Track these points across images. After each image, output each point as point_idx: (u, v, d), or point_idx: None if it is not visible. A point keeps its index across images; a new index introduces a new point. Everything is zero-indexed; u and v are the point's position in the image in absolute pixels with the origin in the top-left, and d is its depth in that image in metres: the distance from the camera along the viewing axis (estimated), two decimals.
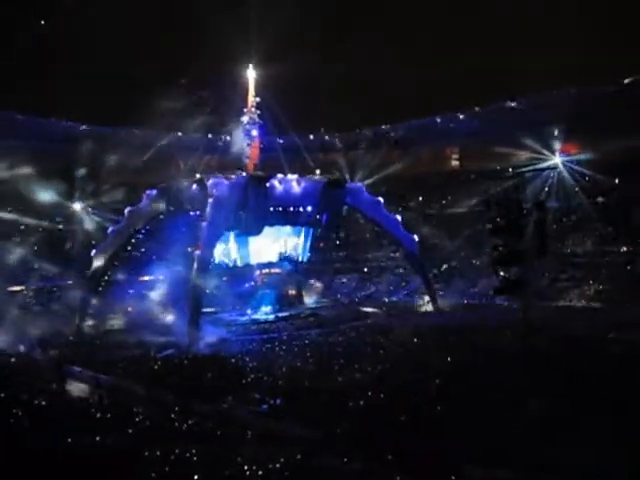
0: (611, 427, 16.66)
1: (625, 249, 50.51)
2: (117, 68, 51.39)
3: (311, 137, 62.66)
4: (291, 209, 45.35)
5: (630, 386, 20.18)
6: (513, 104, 54.04)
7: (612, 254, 50.62)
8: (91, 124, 53.19)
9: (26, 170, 49.33)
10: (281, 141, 52.28)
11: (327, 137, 65.36)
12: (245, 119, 47.35)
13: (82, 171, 52.01)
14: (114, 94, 50.07)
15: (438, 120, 59.44)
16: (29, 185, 49.62)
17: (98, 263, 46.93)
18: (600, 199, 53.26)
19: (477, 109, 56.22)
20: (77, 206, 54.30)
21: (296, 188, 44.39)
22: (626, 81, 46.94)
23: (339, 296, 55.86)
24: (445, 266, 57.38)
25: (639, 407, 18.26)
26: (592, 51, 50.41)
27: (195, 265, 40.64)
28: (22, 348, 34.90)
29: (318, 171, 47.71)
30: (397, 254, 56.28)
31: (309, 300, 51.57)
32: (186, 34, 55.77)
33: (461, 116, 57.72)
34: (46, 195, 50.74)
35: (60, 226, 53.16)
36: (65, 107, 49.02)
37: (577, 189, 54.80)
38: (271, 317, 45.33)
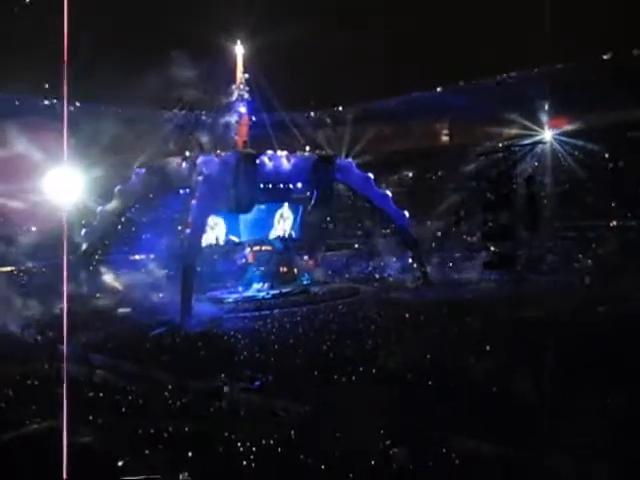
0: (605, 402, 16.87)
1: (615, 223, 50.72)
2: (101, 43, 50.62)
3: (300, 113, 62.21)
4: (281, 186, 45.24)
5: (621, 359, 20.36)
6: (503, 79, 53.84)
7: (603, 228, 50.82)
8: (77, 101, 52.51)
9: (16, 147, 48.79)
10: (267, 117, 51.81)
11: (316, 113, 64.95)
12: (234, 96, 46.90)
13: (69, 149, 51.39)
14: (99, 70, 49.33)
15: (428, 96, 59.11)
16: (17, 163, 49.12)
17: (88, 242, 46.73)
18: (591, 173, 53.26)
19: (467, 84, 55.97)
20: (66, 185, 53.80)
21: (286, 165, 44.20)
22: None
23: (330, 272, 55.90)
24: (436, 242, 57.46)
25: (630, 380, 18.47)
26: (583, 24, 50.13)
27: (186, 243, 40.63)
28: (13, 328, 34.86)
29: (308, 147, 47.46)
30: (388, 230, 56.34)
31: (301, 277, 51.54)
32: (174, 8, 55.07)
33: (451, 91, 57.43)
34: (34, 174, 50.30)
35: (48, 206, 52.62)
36: (47, 83, 48.47)
37: (568, 163, 54.78)
38: (263, 294, 45.39)
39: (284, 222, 48.91)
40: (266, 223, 47.97)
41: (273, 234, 48.61)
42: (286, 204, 48.18)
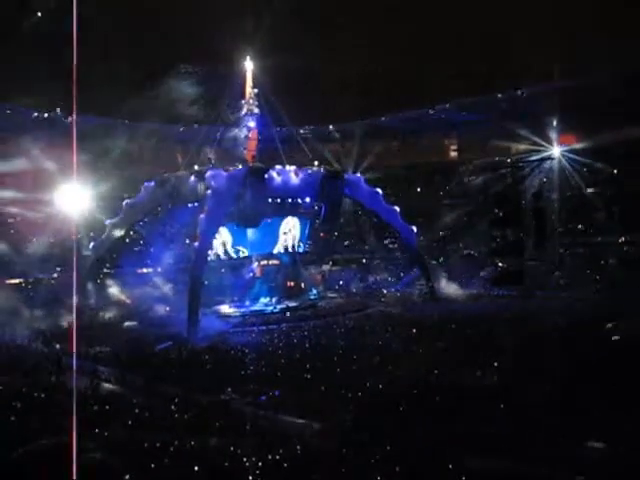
0: (614, 417, 16.76)
1: (623, 239, 50.57)
2: (112, 58, 50.99)
3: (309, 128, 62.44)
4: (289, 200, 45.39)
5: (631, 376, 20.24)
6: (511, 95, 53.88)
7: (610, 244, 50.68)
8: (87, 115, 52.89)
9: (23, 162, 49.14)
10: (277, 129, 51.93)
11: (325, 128, 65.14)
12: (243, 110, 47.21)
13: (78, 163, 51.69)
14: (110, 84, 49.69)
15: (436, 111, 59.22)
16: (27, 177, 49.49)
17: (96, 255, 46.89)
18: (598, 189, 53.22)
19: (476, 100, 56.03)
20: (74, 198, 53.99)
21: (294, 179, 44.33)
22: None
23: (338, 287, 55.91)
24: (444, 257, 57.44)
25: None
26: (591, 40, 50.17)
27: (193, 257, 40.71)
28: (21, 340, 34.93)
29: (316, 162, 47.61)
30: (395, 245, 56.36)
31: (308, 291, 51.54)
32: (185, 23, 55.43)
33: (459, 107, 57.52)
34: (43, 187, 50.66)
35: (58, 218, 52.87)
36: (59, 97, 48.84)
37: (575, 180, 54.74)
38: (270, 308, 45.42)
39: (288, 236, 48.91)
40: (270, 237, 48.01)
41: (277, 248, 48.67)
42: (289, 218, 48.21)
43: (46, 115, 51.82)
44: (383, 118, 61.45)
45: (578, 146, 55.07)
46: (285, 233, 48.56)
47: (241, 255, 47.39)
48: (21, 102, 49.84)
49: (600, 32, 49.08)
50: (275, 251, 48.66)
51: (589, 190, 53.46)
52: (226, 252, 46.56)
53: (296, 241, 49.32)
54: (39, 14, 39.20)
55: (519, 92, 52.67)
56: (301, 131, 58.24)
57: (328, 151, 61.08)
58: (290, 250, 49.28)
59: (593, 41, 48.76)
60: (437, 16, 58.35)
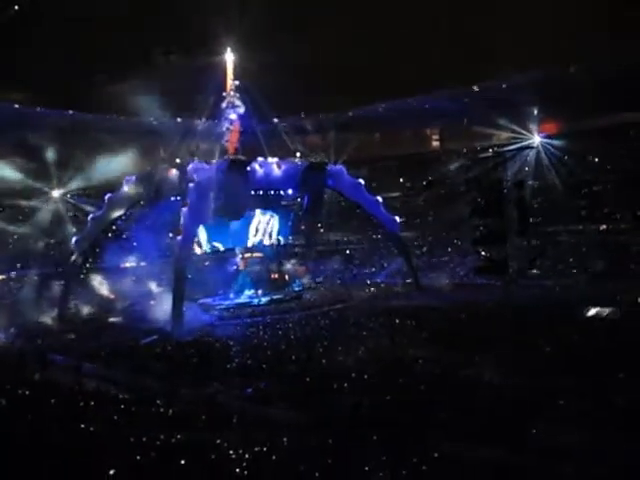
0: (594, 404, 16.91)
1: (605, 227, 50.99)
2: (93, 51, 50.42)
3: (291, 120, 62.26)
4: (272, 192, 45.32)
5: (609, 363, 20.47)
6: (493, 84, 53.99)
7: (591, 232, 51.07)
8: (66, 110, 52.37)
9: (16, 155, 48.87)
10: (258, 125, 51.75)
11: (306, 120, 64.98)
12: (224, 103, 46.97)
13: (58, 158, 51.35)
14: (91, 78, 49.18)
15: (418, 101, 59.22)
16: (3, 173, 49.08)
17: (79, 250, 46.59)
18: (580, 177, 53.56)
19: (457, 89, 56.10)
20: (55, 193, 53.75)
21: (277, 171, 44.26)
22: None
23: (322, 279, 55.96)
24: (427, 247, 57.64)
25: (620, 384, 18.58)
26: (573, 32, 50.32)
27: (177, 251, 40.56)
28: (4, 337, 34.68)
29: (299, 154, 47.52)
30: (379, 235, 56.45)
31: (292, 283, 51.56)
32: (164, 14, 54.89)
33: (441, 97, 57.55)
34: (22, 182, 50.33)
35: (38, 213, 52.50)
36: (36, 92, 48.33)
37: (556, 168, 55.04)
38: (255, 301, 45.38)
39: (262, 230, 48.71)
40: (243, 231, 47.85)
41: (251, 242, 48.46)
42: (259, 211, 48.12)
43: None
44: (364, 109, 61.42)
45: (559, 134, 55.44)
46: (257, 229, 48.39)
47: (216, 249, 47.37)
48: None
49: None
50: (249, 244, 48.53)
51: (571, 178, 53.76)
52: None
53: (280, 233, 49.28)
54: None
55: (500, 81, 52.83)
56: (282, 124, 58.10)
57: (308, 144, 60.95)
58: (273, 242, 49.24)
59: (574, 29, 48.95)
60: (416, 5, 58.21)
